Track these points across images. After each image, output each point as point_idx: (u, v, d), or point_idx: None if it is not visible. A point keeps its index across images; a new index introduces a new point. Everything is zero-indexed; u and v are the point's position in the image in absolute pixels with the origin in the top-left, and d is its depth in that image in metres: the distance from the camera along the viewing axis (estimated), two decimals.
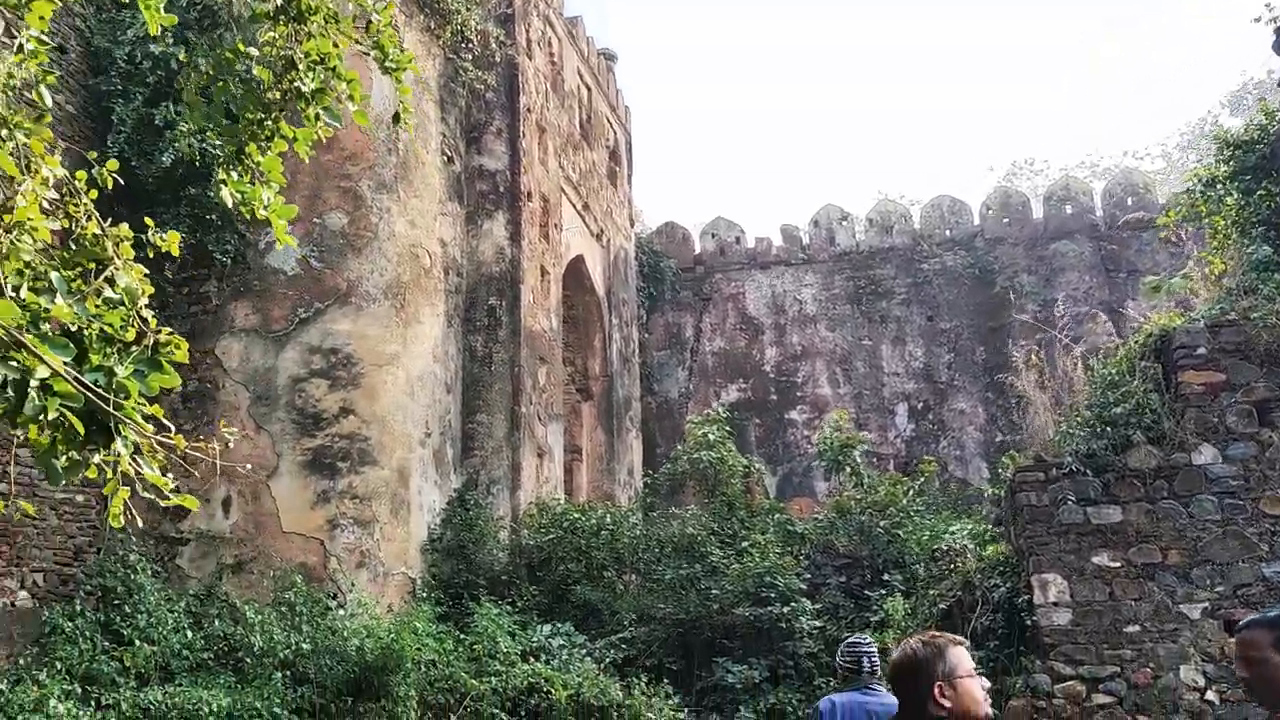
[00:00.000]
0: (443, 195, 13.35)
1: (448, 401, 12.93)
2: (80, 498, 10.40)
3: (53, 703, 7.18)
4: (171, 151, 10.66)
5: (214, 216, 11.32)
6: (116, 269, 3.41)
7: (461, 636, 9.92)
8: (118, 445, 3.23)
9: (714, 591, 10.71)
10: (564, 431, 16.06)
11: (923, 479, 12.65)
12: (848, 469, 12.58)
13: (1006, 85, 57.38)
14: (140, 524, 9.76)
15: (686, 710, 10.02)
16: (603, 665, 10.09)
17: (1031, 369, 10.92)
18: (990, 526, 11.07)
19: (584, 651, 10.34)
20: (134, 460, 3.21)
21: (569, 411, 17.25)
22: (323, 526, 10.90)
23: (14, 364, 2.92)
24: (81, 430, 3.03)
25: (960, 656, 3.00)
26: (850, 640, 5.17)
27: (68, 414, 3.02)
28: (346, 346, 11.50)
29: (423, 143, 12.91)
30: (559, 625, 10.69)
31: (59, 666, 8.00)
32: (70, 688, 7.66)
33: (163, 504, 3.30)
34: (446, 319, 13.08)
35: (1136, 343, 8.86)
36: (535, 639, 10.24)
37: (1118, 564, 7.79)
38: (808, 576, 11.34)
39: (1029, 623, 7.88)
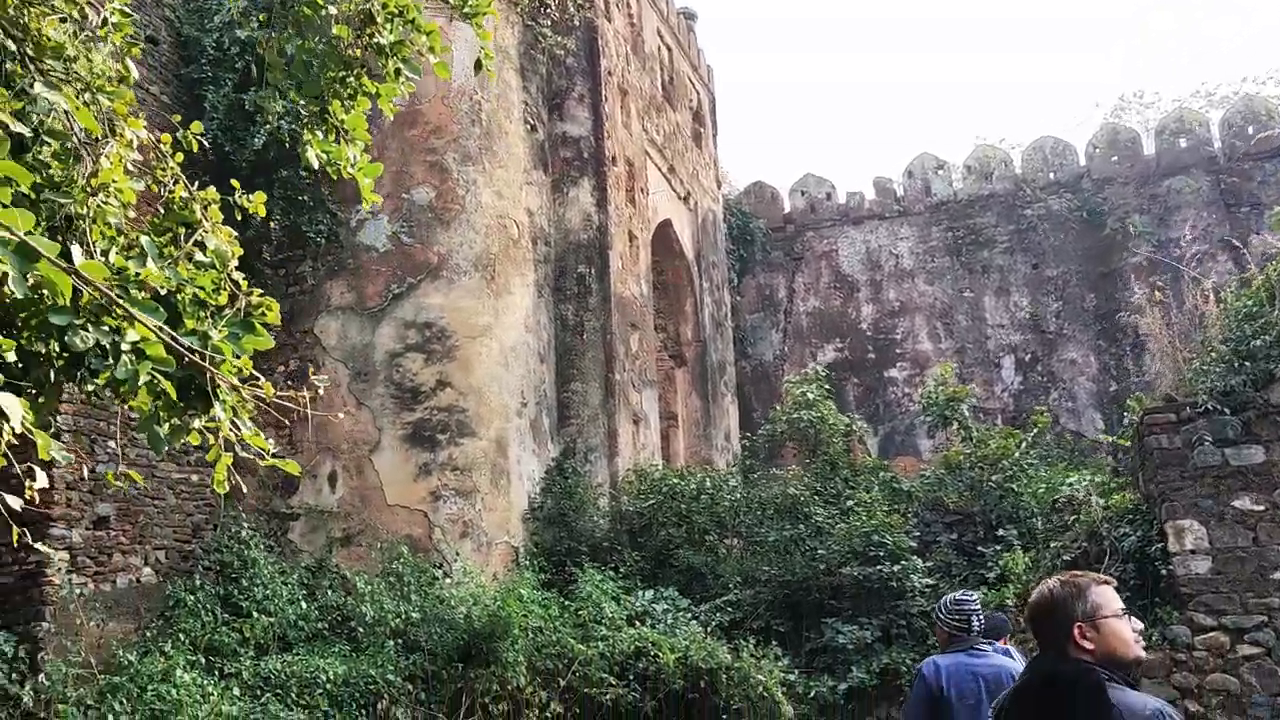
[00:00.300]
0: (527, 164, 13.28)
1: (541, 371, 12.92)
2: (195, 477, 10.71)
3: (178, 673, 7.40)
4: (261, 133, 10.79)
5: (306, 197, 11.48)
6: (206, 232, 3.36)
7: (566, 603, 9.92)
8: (216, 410, 3.19)
9: (820, 552, 10.48)
10: (659, 398, 15.94)
11: (1035, 430, 12.13)
12: (955, 424, 12.13)
13: (1057, 55, 54.87)
14: (252, 500, 9.91)
15: (796, 672, 9.85)
16: (708, 629, 9.98)
17: (1154, 306, 10.28)
18: (1111, 476, 10.56)
19: (689, 615, 10.24)
20: (233, 424, 3.15)
21: (663, 378, 17.12)
22: (425, 498, 11.01)
23: (105, 328, 2.89)
24: (174, 394, 2.99)
25: (1105, 596, 2.77)
26: (955, 598, 4.86)
27: (161, 379, 2.97)
28: (440, 320, 11.56)
29: (505, 112, 12.84)
30: (662, 590, 10.61)
31: (182, 638, 8.26)
32: (194, 658, 7.89)
33: (262, 465, 3.24)
34: (537, 289, 13.04)
35: (1275, 271, 8.24)
36: (639, 604, 10.18)
37: (1261, 507, 7.29)
38: (917, 534, 11.02)
39: (1163, 572, 7.44)
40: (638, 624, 9.62)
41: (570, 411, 13.19)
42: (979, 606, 4.78)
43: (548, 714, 8.69)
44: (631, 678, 9.00)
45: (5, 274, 2.39)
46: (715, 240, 19.68)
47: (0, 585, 8.41)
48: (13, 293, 2.43)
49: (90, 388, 3.23)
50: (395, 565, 9.80)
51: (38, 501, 2.63)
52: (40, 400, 3.32)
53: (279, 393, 3.15)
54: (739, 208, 21.67)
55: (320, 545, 10.74)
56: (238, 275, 3.37)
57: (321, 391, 3.08)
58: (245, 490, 11.16)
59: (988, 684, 4.51)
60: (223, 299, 3.35)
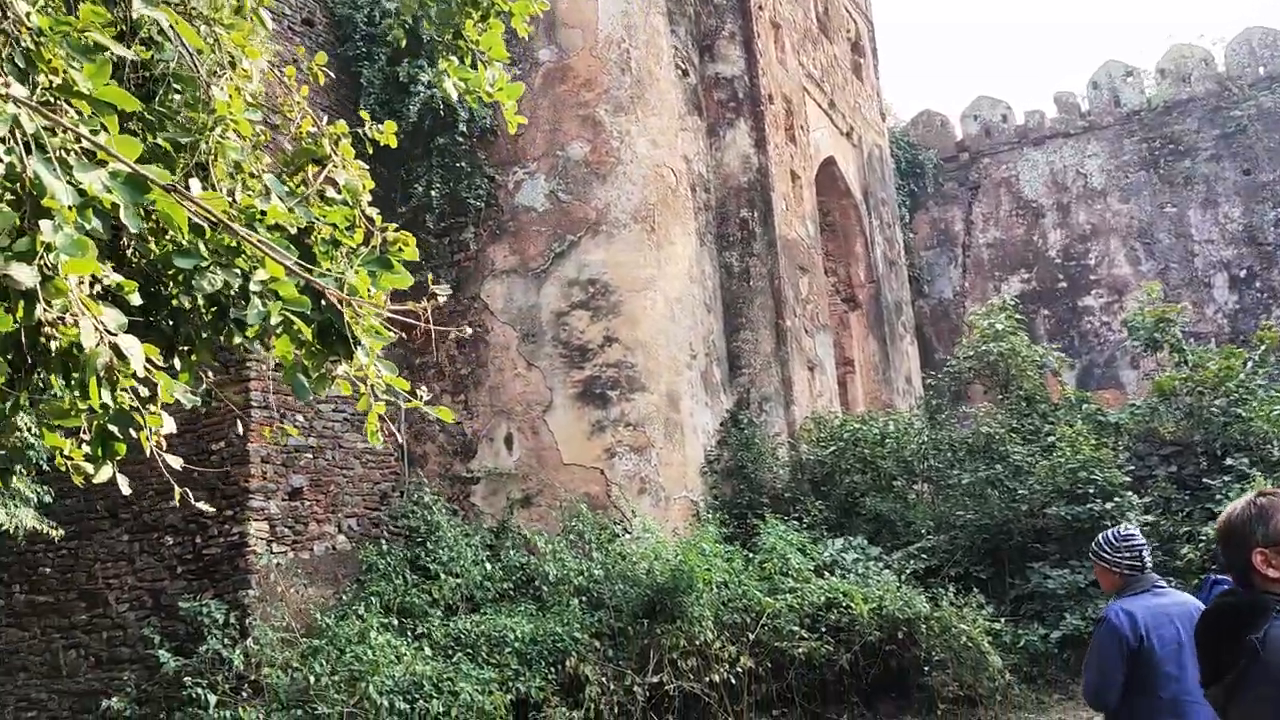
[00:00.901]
0: (681, 110, 12.88)
1: (709, 321, 12.57)
2: (380, 446, 11.00)
3: (373, 634, 7.55)
4: (416, 101, 10.85)
5: (464, 164, 11.51)
6: (336, 167, 3.16)
7: (750, 555, 9.60)
8: (360, 355, 2.99)
9: (1020, 492, 9.72)
10: (833, 344, 15.33)
11: (1264, 348, 10.82)
12: (1167, 347, 10.98)
13: None
14: (434, 466, 10.02)
15: (1002, 620, 9.20)
16: (903, 577, 9.45)
17: None
18: None
19: (880, 564, 9.73)
20: (377, 366, 2.95)
21: (836, 323, 16.46)
22: (601, 456, 10.91)
23: (236, 271, 2.72)
24: (310, 336, 2.80)
25: None
26: (1119, 533, 4.23)
27: (296, 320, 2.79)
28: (603, 275, 11.38)
29: (654, 58, 12.46)
30: (850, 539, 10.13)
31: (375, 601, 8.45)
32: (387, 620, 8.05)
33: (406, 406, 3.02)
34: (698, 237, 12.67)
35: None
36: (827, 554, 9.75)
37: None
38: (1130, 469, 10.06)
39: None
40: (826, 575, 9.20)
41: (741, 361, 12.80)
42: (1144, 541, 4.19)
43: (737, 669, 8.42)
44: (823, 630, 8.60)
45: (117, 207, 2.21)
46: (883, 175, 18.72)
47: (209, 556, 8.85)
48: (128, 229, 2.25)
49: (238, 340, 3.10)
50: (575, 524, 9.73)
51: (164, 447, 2.48)
52: (191, 356, 3.23)
53: (395, 307, 2.90)
54: (906, 140, 20.56)
55: (501, 507, 10.83)
56: (371, 211, 3.15)
57: (442, 301, 2.79)
58: (427, 456, 11.43)
59: (1183, 625, 3.98)
60: (357, 238, 3.15)
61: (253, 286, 2.66)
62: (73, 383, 2.37)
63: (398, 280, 3.16)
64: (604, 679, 8.33)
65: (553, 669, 8.23)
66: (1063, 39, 50.64)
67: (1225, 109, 18.41)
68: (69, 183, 2.10)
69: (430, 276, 3.29)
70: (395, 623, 8.13)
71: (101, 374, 2.24)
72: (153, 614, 8.78)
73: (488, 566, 9.13)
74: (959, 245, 20.41)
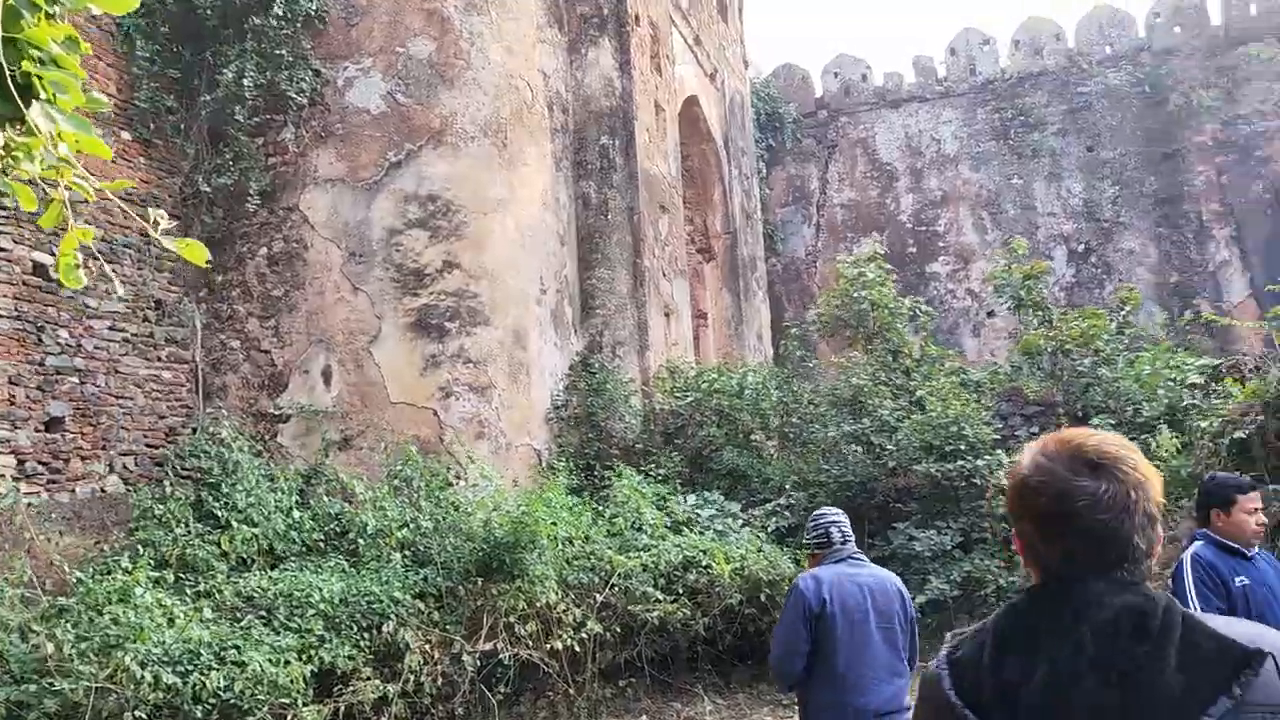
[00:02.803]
0: (540, 19, 11.60)
1: (562, 255, 11.44)
2: (169, 374, 9.36)
3: (138, 591, 6.10)
4: None
5: (285, 52, 9.88)
6: None
7: (600, 509, 8.61)
8: (34, 112, 1.74)
9: (888, 448, 9.11)
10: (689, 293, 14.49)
11: (1127, 310, 10.64)
12: (1031, 306, 10.63)
13: None
14: (235, 401, 8.45)
15: None
16: (763, 536, 8.68)
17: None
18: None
19: (739, 522, 8.93)
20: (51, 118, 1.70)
21: (690, 274, 15.63)
22: (435, 395, 9.65)
23: None
24: None
25: None
26: (814, 514, 4.42)
27: None
28: (445, 192, 10.05)
29: None
30: (707, 495, 9.29)
31: (146, 553, 6.96)
32: (159, 575, 6.59)
33: (153, 237, 1.79)
34: (555, 161, 11.49)
35: None
36: (683, 509, 8.86)
37: None
38: (993, 429, 9.63)
39: None
40: (684, 531, 8.31)
41: (595, 301, 11.74)
42: (840, 517, 4.28)
43: (583, 634, 7.43)
44: (680, 591, 7.71)
45: None
46: (743, 124, 17.98)
47: None
48: None
49: None
50: (402, 469, 8.46)
51: None
52: None
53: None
54: (766, 92, 19.92)
55: (315, 449, 9.41)
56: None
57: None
58: (228, 389, 9.84)
59: (874, 596, 4.02)
60: None
61: None
62: None
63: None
64: (427, 646, 7.16)
65: (366, 634, 7.00)
66: (925, 2, 51.44)
67: (1073, 84, 18.63)
68: None
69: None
70: (171, 579, 6.68)
71: None
72: None
73: (295, 515, 7.75)
74: (814, 204, 19.99)
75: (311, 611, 6.83)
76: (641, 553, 7.87)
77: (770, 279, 19.13)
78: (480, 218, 10.14)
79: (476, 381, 9.80)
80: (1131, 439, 6.13)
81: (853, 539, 4.29)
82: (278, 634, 6.59)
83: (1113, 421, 9.10)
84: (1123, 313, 10.53)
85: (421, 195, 9.99)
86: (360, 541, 7.67)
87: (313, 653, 6.63)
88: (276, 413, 9.75)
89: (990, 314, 18.63)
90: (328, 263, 9.92)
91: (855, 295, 10.54)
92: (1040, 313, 10.49)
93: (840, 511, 4.41)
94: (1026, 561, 1.74)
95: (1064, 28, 19.37)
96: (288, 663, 6.33)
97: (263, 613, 6.80)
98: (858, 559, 4.21)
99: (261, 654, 6.19)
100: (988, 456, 8.67)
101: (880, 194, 19.56)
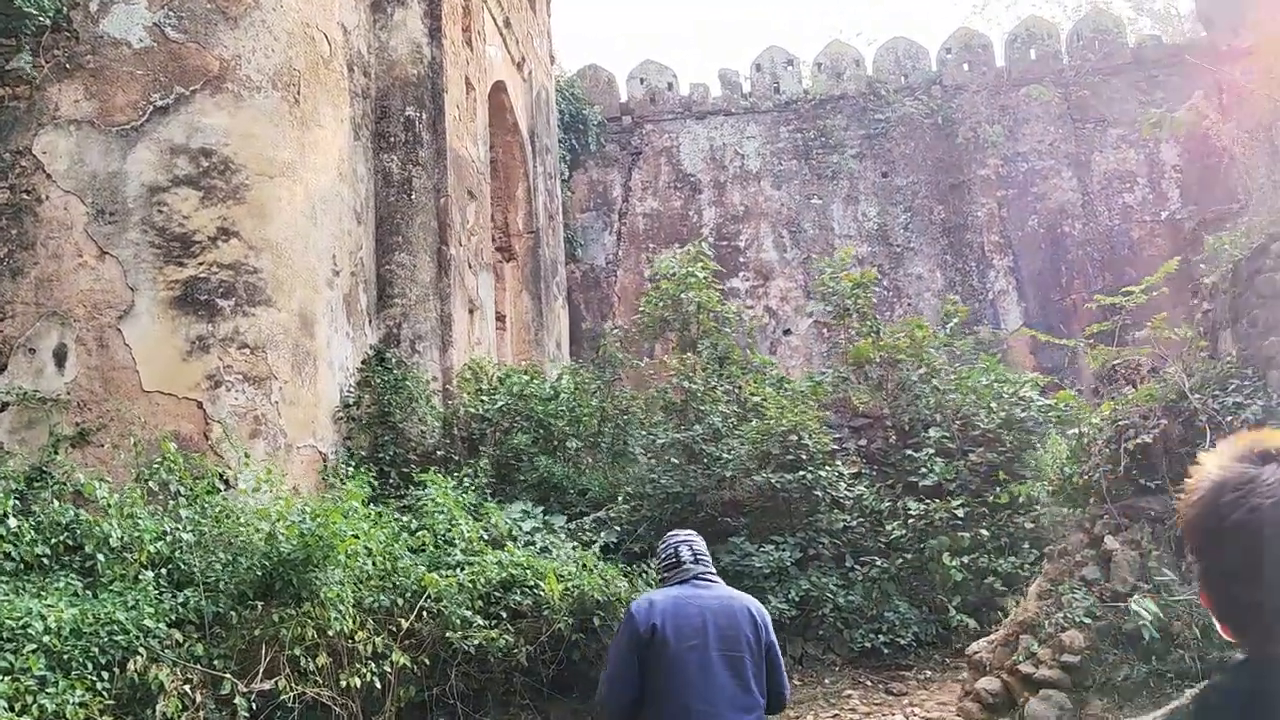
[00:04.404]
0: None
1: (359, 234, 10.11)
2: None
3: None
4: None
5: None
6: None
7: (402, 520, 7.39)
8: None
9: (725, 457, 8.44)
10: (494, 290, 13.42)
11: (954, 322, 10.56)
12: (855, 314, 10.35)
13: None
14: None
15: None
16: (590, 552, 7.75)
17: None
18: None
19: (563, 536, 7.97)
20: None
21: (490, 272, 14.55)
22: (201, 384, 8.09)
23: None
24: None
25: None
26: (666, 535, 3.96)
27: None
28: (224, 147, 8.54)
29: None
30: (527, 506, 8.28)
31: None
32: None
33: None
34: (353, 128, 10.16)
35: None
36: (499, 523, 7.79)
37: None
38: (834, 437, 9.20)
39: None
40: (509, 545, 7.24)
41: (394, 289, 10.46)
42: (693, 538, 3.80)
43: (386, 666, 6.22)
44: (502, 614, 6.64)
45: None
46: (548, 121, 17.11)
47: None
48: None
49: None
50: (156, 470, 6.89)
51: None
52: None
53: None
54: (571, 91, 19.15)
55: (41, 446, 7.61)
56: None
57: None
58: None
59: (716, 620, 3.50)
60: None
61: None
62: None
63: None
64: (187, 687, 5.73)
65: (105, 673, 5.50)
66: (732, 16, 52.15)
67: (871, 111, 19.08)
68: None
69: None
70: None
71: None
72: None
73: (10, 523, 6.05)
74: (616, 211, 19.39)
75: (30, 646, 5.27)
76: (457, 570, 6.74)
77: (569, 285, 18.33)
78: (265, 181, 8.70)
79: (253, 371, 8.33)
80: (968, 452, 5.65)
81: (708, 560, 3.75)
82: None
83: (945, 434, 8.88)
84: (951, 324, 10.44)
85: (193, 149, 8.43)
86: (100, 557, 6.10)
87: (29, 700, 5.08)
88: None
89: (787, 332, 18.67)
90: (67, 220, 8.16)
91: (682, 296, 9.86)
92: (868, 322, 10.22)
93: (693, 532, 3.91)
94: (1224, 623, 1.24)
95: (864, 55, 19.88)
96: None
97: None
98: (705, 579, 3.66)
99: None
100: (827, 468, 8.17)
101: (684, 205, 19.24)
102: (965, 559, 7.57)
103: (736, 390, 9.47)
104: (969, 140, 18.48)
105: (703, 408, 8.94)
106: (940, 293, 18.49)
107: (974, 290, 18.32)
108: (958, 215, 18.51)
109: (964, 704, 5.09)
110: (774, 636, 3.66)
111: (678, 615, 3.47)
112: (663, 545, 3.82)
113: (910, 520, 7.98)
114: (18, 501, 6.57)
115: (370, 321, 10.19)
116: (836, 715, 6.72)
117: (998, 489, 7.76)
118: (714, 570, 3.74)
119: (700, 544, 3.79)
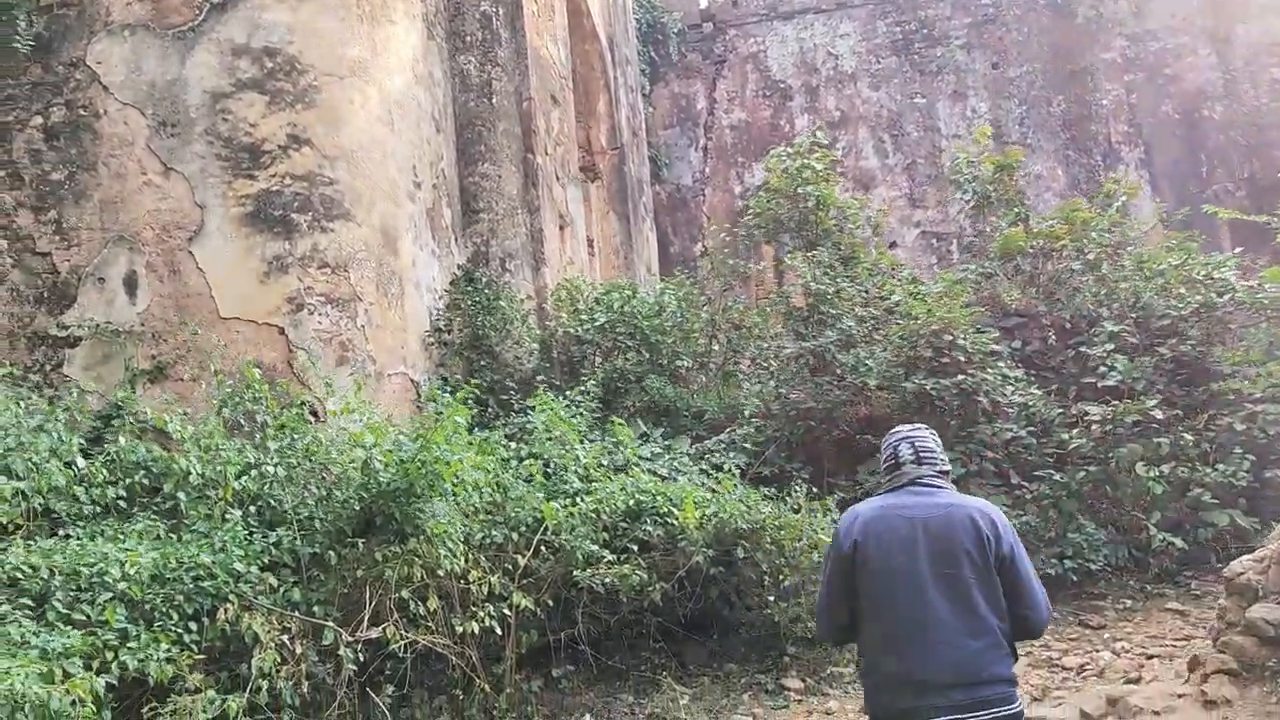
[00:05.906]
0: None
1: (438, 143, 9.23)
2: None
3: None
4: None
5: None
6: None
7: (514, 447, 6.58)
8: None
9: (865, 365, 7.41)
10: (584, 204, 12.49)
11: (1122, 200, 9.24)
12: (1003, 204, 9.11)
13: None
14: (3, 320, 5.94)
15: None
16: (722, 476, 6.86)
17: None
18: None
19: (689, 460, 7.09)
20: None
21: None
22: (281, 308, 7.35)
23: None
24: None
25: None
26: (891, 430, 3.42)
27: None
28: (288, 46, 7.69)
29: None
30: (648, 430, 7.41)
31: None
32: None
33: None
34: (426, 25, 9.23)
35: None
36: (625, 440, 6.93)
37: None
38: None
39: None
40: (635, 471, 6.38)
41: (479, 204, 9.60)
42: (917, 433, 3.27)
43: (505, 609, 5.45)
44: (634, 549, 5.80)
45: None
46: (627, 29, 15.99)
47: None
48: None
49: None
50: (239, 402, 6.18)
51: None
52: None
53: None
54: None
55: (116, 381, 6.99)
56: None
57: None
58: None
59: (929, 532, 3.00)
60: None
61: None
62: None
63: None
64: (285, 638, 5.04)
65: (193, 625, 4.84)
66: None
67: None
68: None
69: None
70: None
71: None
72: None
73: (79, 463, 5.39)
74: (700, 126, 18.22)
75: (107, 595, 4.62)
76: (576, 500, 5.91)
77: (654, 208, 17.30)
78: (335, 82, 7.84)
79: (336, 292, 7.56)
80: (1155, 345, 4.43)
81: (935, 458, 3.22)
82: (53, 632, 4.35)
83: (1124, 327, 7.67)
84: (1115, 205, 9.15)
85: (255, 48, 7.61)
86: (181, 497, 5.42)
87: (110, 656, 4.43)
88: (62, 334, 7.25)
89: (892, 245, 17.36)
90: (128, 135, 7.43)
91: (799, 192, 8.77)
92: (1015, 209, 9.00)
93: (921, 425, 3.39)
94: None
95: None
96: (68, 675, 4.12)
97: (31, 601, 4.53)
98: (925, 485, 3.15)
99: (23, 665, 3.96)
100: (990, 369, 7.10)
101: (774, 114, 17.96)
102: (1163, 469, 6.49)
103: (865, 292, 8.40)
104: (1090, 20, 16.75)
105: (833, 311, 7.92)
106: (1062, 192, 16.96)
107: (1101, 187, 16.72)
108: (1079, 106, 16.90)
109: (1229, 637, 4.11)
110: (1016, 548, 3.06)
111: (883, 529, 3.09)
112: (884, 445, 3.34)
113: (1092, 426, 6.89)
114: (86, 442, 5.92)
115: (456, 239, 9.36)
116: (1029, 653, 5.76)
117: (1197, 388, 6.63)
118: (944, 470, 3.22)
119: (927, 439, 3.27)
